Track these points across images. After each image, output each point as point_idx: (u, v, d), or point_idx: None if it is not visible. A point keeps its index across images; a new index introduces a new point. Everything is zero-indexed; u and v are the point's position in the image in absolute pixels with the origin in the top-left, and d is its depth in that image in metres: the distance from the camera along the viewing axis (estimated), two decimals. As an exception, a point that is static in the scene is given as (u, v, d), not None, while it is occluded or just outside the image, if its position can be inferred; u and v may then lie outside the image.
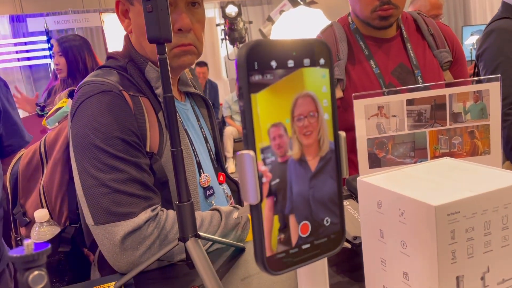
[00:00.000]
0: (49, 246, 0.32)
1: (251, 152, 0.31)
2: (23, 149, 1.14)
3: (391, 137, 0.69)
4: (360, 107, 0.67)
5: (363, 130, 0.68)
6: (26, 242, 0.31)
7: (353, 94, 0.67)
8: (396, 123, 0.68)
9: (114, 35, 5.61)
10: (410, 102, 0.68)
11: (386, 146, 0.69)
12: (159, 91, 0.96)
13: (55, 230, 1.05)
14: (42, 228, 1.04)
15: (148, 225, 0.85)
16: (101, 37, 6.10)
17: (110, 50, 5.76)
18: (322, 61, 0.32)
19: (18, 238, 1.11)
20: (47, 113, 1.83)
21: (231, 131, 5.74)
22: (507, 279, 0.49)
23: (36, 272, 0.30)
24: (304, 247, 0.34)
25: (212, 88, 5.75)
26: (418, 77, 1.23)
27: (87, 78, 0.96)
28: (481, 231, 0.47)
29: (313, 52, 0.32)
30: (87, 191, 0.86)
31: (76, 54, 2.32)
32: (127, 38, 1.01)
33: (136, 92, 0.94)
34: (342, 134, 0.33)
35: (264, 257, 0.32)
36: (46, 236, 1.04)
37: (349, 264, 0.77)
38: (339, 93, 1.23)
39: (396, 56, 1.27)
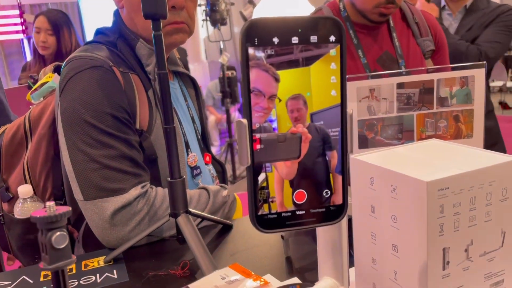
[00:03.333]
0: (70, 208, 0.33)
1: (244, 121, 0.33)
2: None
3: (380, 119, 0.72)
4: (352, 89, 0.69)
5: (354, 112, 0.71)
6: (48, 203, 0.32)
7: (346, 76, 0.69)
8: (386, 105, 0.71)
9: (91, 11, 5.45)
10: (400, 85, 0.71)
11: (375, 128, 0.72)
12: (149, 68, 0.96)
13: (39, 206, 1.04)
14: (26, 204, 1.03)
15: (138, 201, 0.86)
16: (76, 14, 5.92)
17: (86, 28, 5.60)
18: (332, 38, 0.34)
19: (0, 214, 1.09)
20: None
21: (214, 119, 5.70)
22: (488, 252, 0.53)
23: (58, 233, 0.31)
24: (298, 213, 0.36)
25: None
26: (402, 66, 1.27)
27: (75, 53, 0.94)
28: (467, 206, 0.50)
29: (321, 29, 0.33)
30: (77, 166, 0.85)
31: (66, 33, 2.27)
32: (117, 14, 1.00)
33: (126, 69, 0.93)
34: (350, 111, 0.35)
35: (254, 215, 0.35)
36: (29, 212, 1.03)
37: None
38: None
39: (382, 43, 1.30)
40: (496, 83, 7.71)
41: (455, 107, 0.73)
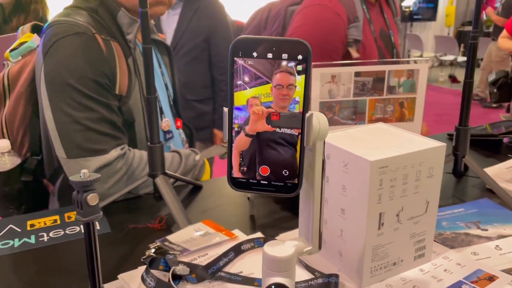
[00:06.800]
0: (99, 175, 0.42)
1: (226, 109, 0.45)
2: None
3: (339, 101, 0.83)
4: (317, 75, 0.80)
5: (317, 93, 0.81)
6: (83, 171, 0.41)
7: (313, 63, 0.79)
8: (344, 90, 0.82)
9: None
10: (357, 74, 0.82)
11: (334, 109, 0.83)
12: (130, 37, 1.01)
13: (16, 161, 1.10)
14: (3, 158, 1.08)
15: (118, 161, 0.94)
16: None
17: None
18: (300, 57, 0.44)
19: (-24, 166, 1.14)
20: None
21: None
22: (414, 217, 0.67)
23: (91, 194, 0.40)
24: (262, 182, 0.47)
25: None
26: (391, 37, 1.34)
27: (57, 17, 0.98)
28: (401, 181, 0.63)
29: (291, 49, 0.43)
30: (60, 126, 0.92)
31: None
32: (98, -20, 1.03)
33: (107, 36, 0.98)
34: (307, 114, 0.45)
35: (229, 177, 0.47)
36: (6, 166, 1.09)
37: (292, 203, 0.93)
38: (355, 54, 1.25)
39: (380, 20, 1.36)
40: (447, 57, 8.07)
41: (401, 94, 0.85)
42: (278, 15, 1.32)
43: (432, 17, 8.89)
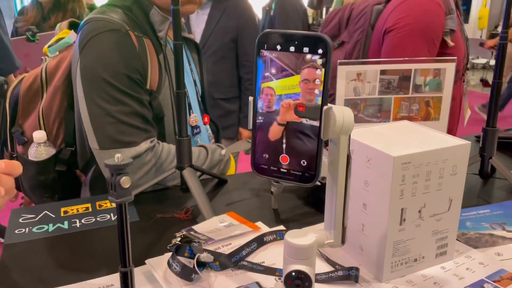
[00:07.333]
0: (132, 160, 0.45)
1: (251, 98, 0.48)
2: (24, 73, 1.20)
3: (363, 99, 0.84)
4: (342, 73, 0.81)
5: (342, 91, 0.83)
6: (117, 155, 0.44)
7: (338, 61, 0.80)
8: (369, 88, 0.83)
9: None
10: (383, 72, 0.83)
11: (359, 106, 0.84)
12: (161, 34, 1.05)
13: (51, 151, 1.15)
14: (40, 148, 1.14)
15: (147, 154, 0.98)
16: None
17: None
18: (320, 51, 0.45)
19: (14, 155, 1.20)
20: (37, 38, 1.85)
21: None
22: (437, 214, 0.67)
23: (124, 177, 0.43)
24: (282, 170, 0.49)
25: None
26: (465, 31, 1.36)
27: (93, 15, 1.03)
28: (424, 177, 0.64)
29: (311, 43, 0.45)
30: (94, 119, 0.96)
31: None
32: (132, -21, 1.07)
33: (140, 33, 1.02)
34: (325, 107, 0.46)
35: (252, 162, 0.50)
36: (42, 156, 1.14)
37: (315, 198, 0.94)
38: (451, 43, 1.31)
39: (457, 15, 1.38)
40: (479, 60, 7.86)
41: (427, 93, 0.85)
42: (362, 14, 1.39)
43: (465, 20, 8.69)
